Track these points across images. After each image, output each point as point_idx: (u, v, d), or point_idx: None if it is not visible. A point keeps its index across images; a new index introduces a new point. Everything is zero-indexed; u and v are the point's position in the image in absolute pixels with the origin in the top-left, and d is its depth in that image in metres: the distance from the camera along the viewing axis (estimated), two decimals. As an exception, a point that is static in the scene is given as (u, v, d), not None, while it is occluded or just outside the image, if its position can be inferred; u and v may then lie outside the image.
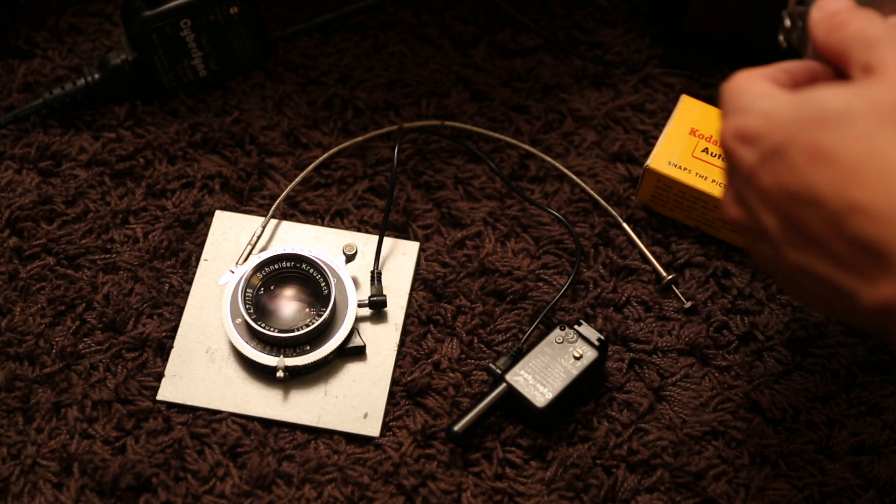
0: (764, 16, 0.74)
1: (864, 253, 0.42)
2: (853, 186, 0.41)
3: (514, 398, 0.63)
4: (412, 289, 0.70)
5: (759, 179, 0.45)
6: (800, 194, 0.43)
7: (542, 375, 0.63)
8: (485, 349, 0.68)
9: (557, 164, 0.74)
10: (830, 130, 0.42)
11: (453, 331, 0.68)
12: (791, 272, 0.46)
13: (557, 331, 0.65)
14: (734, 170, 0.47)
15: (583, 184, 0.73)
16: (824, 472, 0.63)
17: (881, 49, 0.44)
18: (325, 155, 0.74)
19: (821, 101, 0.43)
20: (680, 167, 0.69)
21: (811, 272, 0.44)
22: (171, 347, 0.67)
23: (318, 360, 0.65)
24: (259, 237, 0.70)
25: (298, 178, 0.73)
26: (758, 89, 0.46)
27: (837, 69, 0.48)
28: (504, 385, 0.63)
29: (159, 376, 0.66)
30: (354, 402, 0.65)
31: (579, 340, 0.64)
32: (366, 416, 0.65)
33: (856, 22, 0.46)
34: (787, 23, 0.51)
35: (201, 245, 0.71)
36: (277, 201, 0.72)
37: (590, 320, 0.68)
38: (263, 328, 0.64)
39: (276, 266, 0.67)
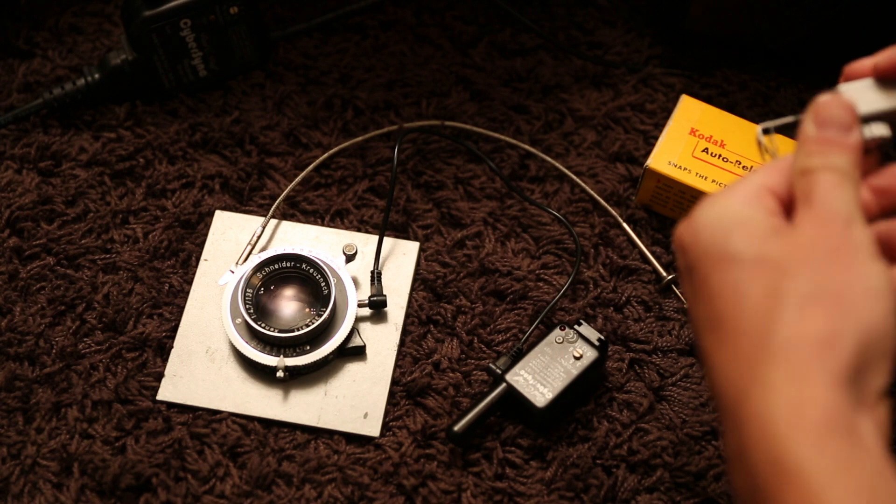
0: (763, 16, 0.74)
1: (719, 403, 0.43)
2: (712, 341, 0.43)
3: (514, 398, 0.63)
4: (412, 289, 0.70)
5: (682, 283, 0.47)
6: (693, 320, 0.46)
7: (542, 375, 0.63)
8: (485, 349, 0.68)
9: (557, 164, 0.74)
10: (718, 271, 0.44)
11: (453, 331, 0.68)
12: None
13: (557, 331, 0.65)
14: None
15: (583, 184, 0.73)
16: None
17: (811, 209, 0.44)
18: (325, 155, 0.74)
19: (726, 238, 0.44)
20: (680, 167, 0.69)
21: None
22: (171, 347, 0.67)
23: (318, 360, 0.65)
24: (259, 237, 0.70)
25: (298, 178, 0.73)
26: (725, 204, 0.46)
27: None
28: (504, 385, 0.63)
29: (159, 376, 0.66)
30: (354, 402, 0.65)
31: (579, 340, 0.64)
32: (366, 416, 0.65)
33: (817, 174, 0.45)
34: (763, 139, 0.50)
35: (201, 245, 0.71)
36: (277, 201, 0.72)
37: (590, 320, 0.68)
38: (263, 328, 0.64)
39: (276, 266, 0.67)
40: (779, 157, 0.47)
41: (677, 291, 0.69)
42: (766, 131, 0.49)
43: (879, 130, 0.47)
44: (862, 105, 0.47)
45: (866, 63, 0.48)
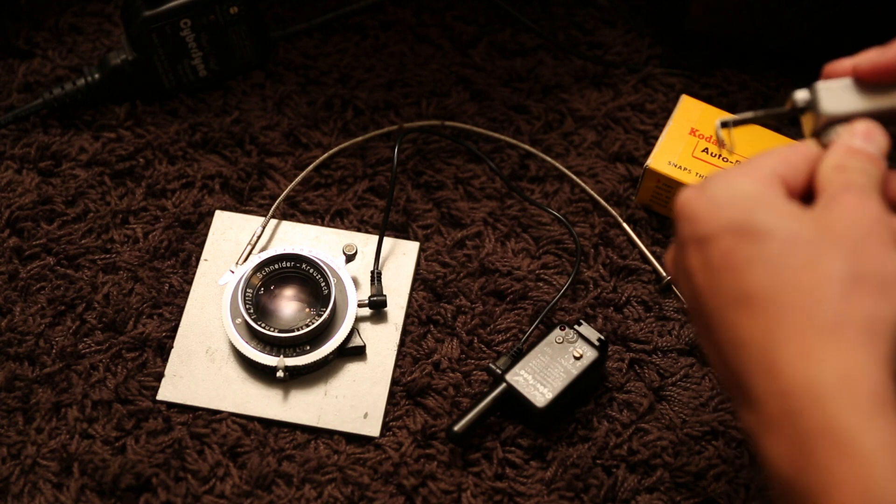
0: (763, 16, 0.75)
1: (736, 383, 0.44)
2: (742, 313, 0.43)
3: (514, 398, 0.63)
4: (412, 289, 0.70)
5: (686, 253, 0.46)
6: (705, 292, 0.45)
7: (542, 375, 0.63)
8: (485, 349, 0.68)
9: (557, 164, 0.74)
10: (746, 244, 0.44)
11: (453, 331, 0.68)
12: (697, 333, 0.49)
13: (557, 331, 0.65)
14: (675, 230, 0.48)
15: (583, 184, 0.73)
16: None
17: (846, 195, 0.45)
18: (325, 155, 0.74)
19: (753, 213, 0.44)
20: (680, 167, 0.69)
21: (706, 351, 0.47)
22: (171, 347, 0.67)
23: (318, 360, 0.65)
24: (259, 237, 0.70)
25: (298, 178, 0.73)
26: (744, 181, 0.46)
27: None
28: (504, 385, 0.63)
29: (159, 376, 0.66)
30: (354, 402, 0.65)
31: (579, 340, 0.64)
32: (366, 416, 0.65)
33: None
34: (721, 133, 0.51)
35: (201, 245, 0.71)
36: (277, 201, 0.72)
37: (590, 320, 0.68)
38: (263, 328, 0.64)
39: (276, 266, 0.67)
40: (785, 147, 0.47)
41: (677, 291, 0.69)
42: (724, 125, 0.50)
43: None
44: (835, 105, 0.47)
45: (846, 63, 0.48)
